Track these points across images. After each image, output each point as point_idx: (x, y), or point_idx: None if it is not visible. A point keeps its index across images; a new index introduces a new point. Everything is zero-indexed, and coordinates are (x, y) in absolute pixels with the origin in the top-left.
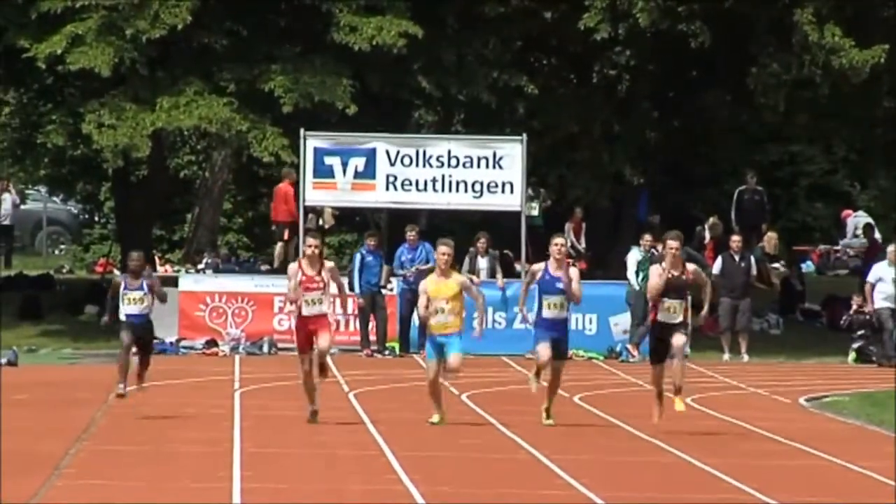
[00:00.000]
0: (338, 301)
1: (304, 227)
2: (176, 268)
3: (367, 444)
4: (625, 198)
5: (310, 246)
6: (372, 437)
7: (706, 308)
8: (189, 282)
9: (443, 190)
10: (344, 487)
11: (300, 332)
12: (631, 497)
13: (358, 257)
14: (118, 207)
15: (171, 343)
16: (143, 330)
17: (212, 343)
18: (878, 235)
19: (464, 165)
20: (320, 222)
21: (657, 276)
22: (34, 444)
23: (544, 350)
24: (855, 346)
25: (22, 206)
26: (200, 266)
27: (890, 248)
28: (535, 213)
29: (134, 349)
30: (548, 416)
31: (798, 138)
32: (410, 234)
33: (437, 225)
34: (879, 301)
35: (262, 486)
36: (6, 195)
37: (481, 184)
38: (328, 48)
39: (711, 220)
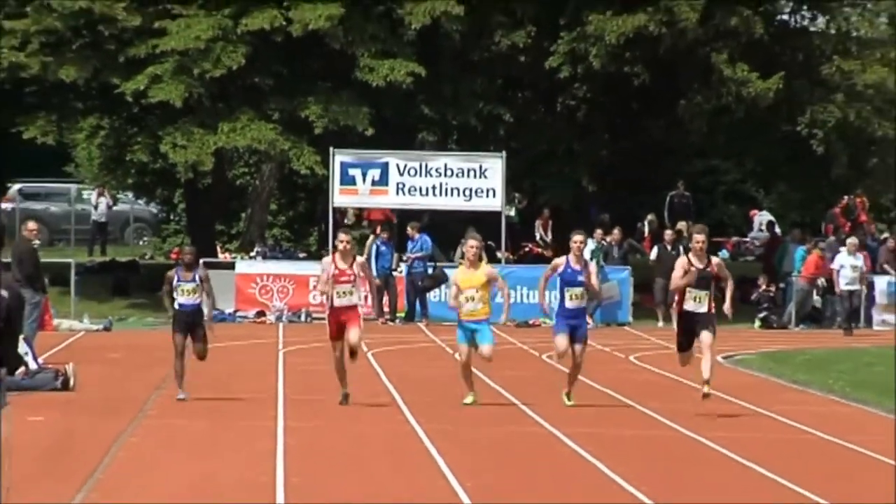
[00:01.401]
0: (365, 293)
1: (335, 223)
2: (233, 255)
3: (380, 393)
4: (583, 201)
5: (342, 241)
6: (384, 387)
7: (728, 299)
8: (243, 266)
9: (440, 195)
10: (362, 423)
11: (332, 321)
12: (585, 432)
13: (374, 247)
14: (188, 208)
15: (229, 313)
16: (193, 318)
17: (261, 314)
18: (777, 230)
19: (456, 176)
20: (346, 220)
21: (680, 269)
22: (125, 392)
23: (562, 341)
24: (760, 315)
25: (114, 208)
26: (252, 254)
27: (850, 240)
28: (512, 213)
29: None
30: (569, 399)
31: (717, 154)
32: (410, 230)
33: (437, 221)
34: (843, 284)
35: (301, 424)
36: (102, 199)
37: (470, 190)
38: (352, 84)
39: (649, 217)
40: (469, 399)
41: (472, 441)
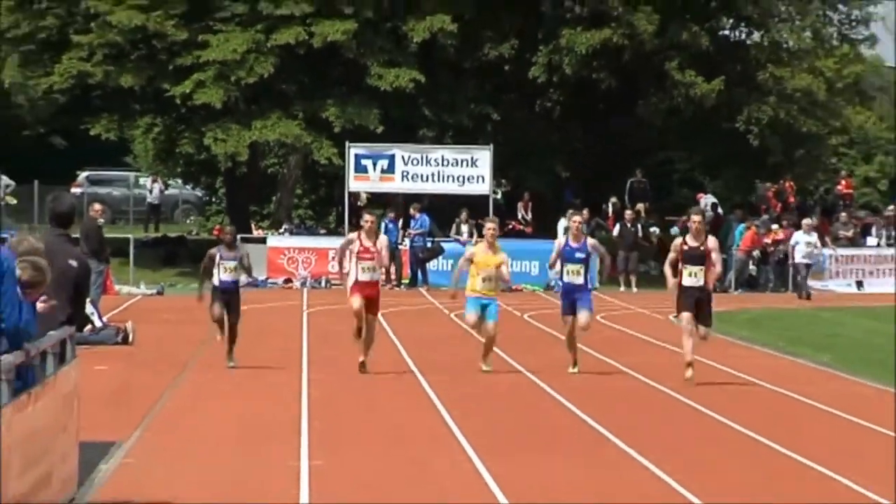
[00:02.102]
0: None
1: (350, 205)
2: (265, 232)
3: (389, 347)
4: (558, 186)
5: (367, 221)
6: (392, 343)
7: (712, 277)
8: (274, 240)
9: (438, 181)
10: (374, 373)
11: (355, 292)
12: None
13: (383, 225)
14: (228, 192)
15: (262, 280)
16: (231, 294)
17: (288, 280)
18: (720, 210)
19: (452, 165)
20: (359, 202)
21: (676, 247)
22: (174, 347)
23: (567, 318)
24: None
25: (166, 192)
26: (281, 231)
27: (805, 221)
28: (499, 196)
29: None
30: (574, 365)
31: (671, 147)
32: (412, 210)
33: (435, 204)
34: (798, 258)
35: (323, 376)
36: (155, 184)
37: (463, 177)
38: (363, 89)
39: (613, 199)
40: (485, 367)
41: (471, 391)
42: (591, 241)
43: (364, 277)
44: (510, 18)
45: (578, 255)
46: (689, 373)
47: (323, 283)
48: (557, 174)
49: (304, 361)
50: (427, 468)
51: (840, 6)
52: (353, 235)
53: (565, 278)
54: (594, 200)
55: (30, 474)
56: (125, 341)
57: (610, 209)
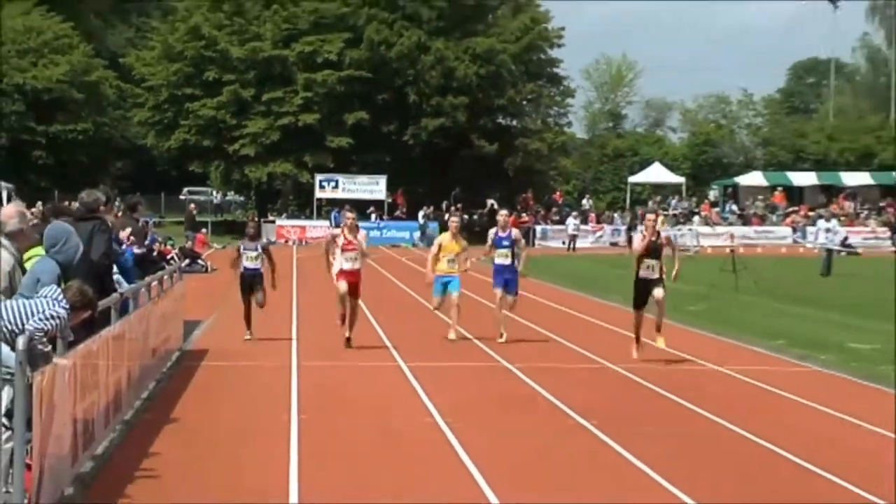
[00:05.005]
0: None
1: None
2: (275, 216)
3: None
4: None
5: (348, 219)
6: (371, 323)
7: (676, 267)
8: (279, 221)
9: (361, 193)
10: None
11: (340, 281)
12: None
13: (333, 214)
14: (257, 198)
15: (273, 241)
16: (254, 279)
17: (285, 241)
18: (496, 206)
19: (368, 184)
20: (323, 205)
21: (639, 240)
22: (231, 281)
23: (499, 291)
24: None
25: (226, 198)
26: (282, 216)
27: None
28: (389, 199)
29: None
30: (502, 336)
31: (483, 176)
32: (346, 208)
33: (356, 204)
34: (570, 230)
35: (307, 296)
36: (218, 194)
37: (372, 190)
38: (322, 148)
39: (490, 202)
40: (451, 336)
41: (454, 385)
42: (514, 231)
43: (347, 266)
44: (395, 113)
45: (505, 242)
46: (660, 343)
47: (303, 243)
48: (437, 182)
49: (293, 307)
50: (392, 421)
51: (555, 108)
52: (337, 231)
53: (497, 261)
54: (480, 203)
55: (161, 335)
56: (206, 270)
57: (493, 205)
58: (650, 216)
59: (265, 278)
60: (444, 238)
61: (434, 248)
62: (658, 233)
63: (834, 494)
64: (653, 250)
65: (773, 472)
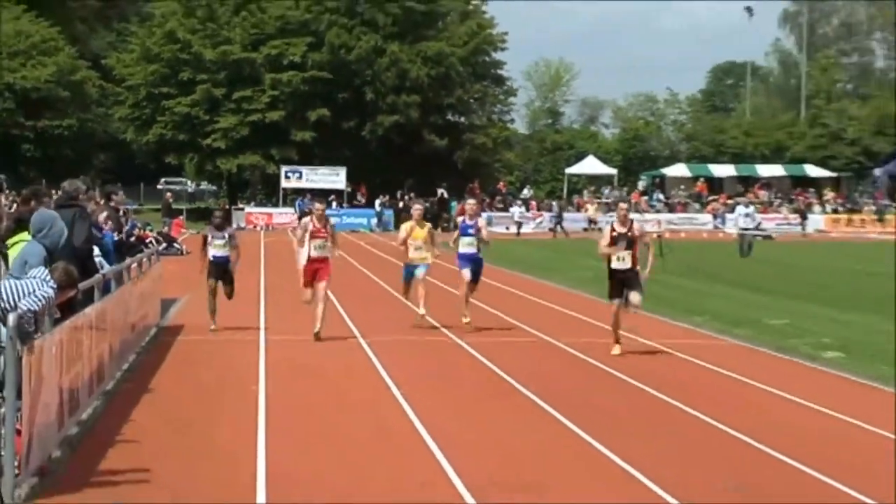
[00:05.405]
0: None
1: (313, 196)
2: (245, 204)
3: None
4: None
5: (318, 209)
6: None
7: (650, 264)
8: (248, 209)
9: (322, 183)
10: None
11: (307, 270)
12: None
13: (298, 203)
14: (228, 187)
15: (242, 227)
16: (223, 266)
17: (253, 227)
18: (446, 196)
19: (329, 175)
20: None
21: (607, 235)
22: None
23: (466, 273)
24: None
25: (199, 187)
26: (251, 204)
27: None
28: (349, 189)
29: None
30: (466, 319)
31: (436, 168)
32: (309, 196)
33: (317, 193)
34: (517, 217)
35: (274, 275)
36: (192, 184)
37: (333, 181)
38: (288, 143)
39: (440, 191)
40: (421, 311)
41: (408, 358)
42: (480, 220)
43: (315, 253)
44: (354, 110)
45: (470, 230)
46: (617, 349)
47: (270, 228)
48: (399, 176)
49: (261, 263)
50: (350, 391)
51: (499, 106)
52: (308, 220)
53: (461, 249)
54: (431, 192)
55: (140, 312)
56: (180, 253)
57: (444, 194)
58: (623, 205)
59: (234, 266)
60: (409, 226)
61: (402, 236)
62: (631, 223)
63: (734, 447)
64: (619, 239)
65: (682, 426)
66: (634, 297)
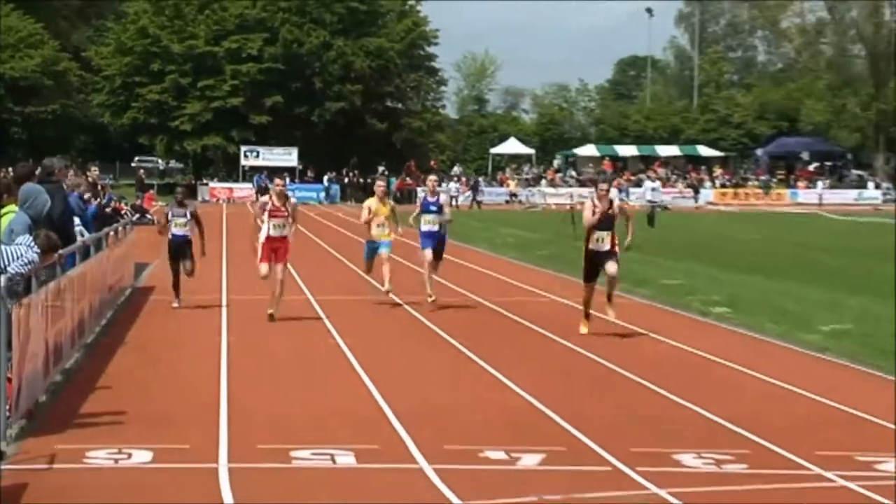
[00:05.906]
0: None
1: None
2: (209, 180)
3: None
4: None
5: (278, 185)
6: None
7: (630, 235)
8: (212, 184)
9: (277, 162)
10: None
11: (266, 248)
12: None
13: (256, 178)
14: (194, 165)
15: (207, 200)
16: (183, 245)
17: (217, 201)
18: (386, 172)
19: (282, 154)
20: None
21: (589, 211)
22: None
23: (427, 253)
24: None
25: (168, 165)
26: (214, 180)
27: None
28: (300, 167)
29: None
30: (431, 297)
31: (377, 145)
32: (264, 174)
33: (274, 171)
34: (453, 192)
35: (235, 272)
36: (163, 162)
37: (286, 159)
38: (247, 126)
39: (380, 168)
40: (387, 287)
41: (352, 314)
42: (443, 197)
43: (274, 233)
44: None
45: (432, 207)
46: (584, 328)
47: (231, 201)
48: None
49: (223, 231)
50: (301, 342)
51: (432, 94)
52: (266, 197)
53: (423, 227)
54: (372, 169)
55: (116, 274)
56: (153, 223)
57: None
58: (603, 185)
59: (194, 245)
60: (372, 202)
61: (364, 214)
62: (611, 202)
63: (602, 373)
64: (603, 222)
65: (579, 364)
66: (611, 266)
